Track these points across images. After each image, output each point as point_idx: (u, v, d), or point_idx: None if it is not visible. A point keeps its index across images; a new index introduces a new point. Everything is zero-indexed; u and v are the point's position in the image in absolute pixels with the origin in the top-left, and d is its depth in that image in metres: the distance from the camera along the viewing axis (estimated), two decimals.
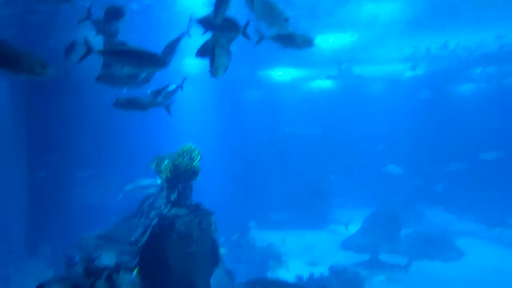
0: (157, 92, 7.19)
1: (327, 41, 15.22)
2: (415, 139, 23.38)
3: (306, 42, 6.42)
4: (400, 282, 12.74)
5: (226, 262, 8.00)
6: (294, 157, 22.40)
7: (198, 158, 7.84)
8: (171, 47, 6.92)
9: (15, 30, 10.63)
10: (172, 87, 7.57)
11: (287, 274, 13.62)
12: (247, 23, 5.77)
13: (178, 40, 7.02)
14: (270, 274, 14.07)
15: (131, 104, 6.65)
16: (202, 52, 6.08)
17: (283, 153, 22.56)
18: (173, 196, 7.09)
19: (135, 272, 5.62)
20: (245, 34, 5.83)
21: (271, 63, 19.93)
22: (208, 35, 6.00)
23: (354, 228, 17.89)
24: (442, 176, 21.92)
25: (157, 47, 6.49)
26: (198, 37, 6.16)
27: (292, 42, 6.34)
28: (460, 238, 16.88)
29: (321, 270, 12.90)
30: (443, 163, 21.78)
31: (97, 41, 6.33)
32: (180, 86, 7.35)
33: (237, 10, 6.00)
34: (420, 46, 16.87)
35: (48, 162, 13.70)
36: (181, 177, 7.12)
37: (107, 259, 5.77)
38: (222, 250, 12.46)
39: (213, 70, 5.49)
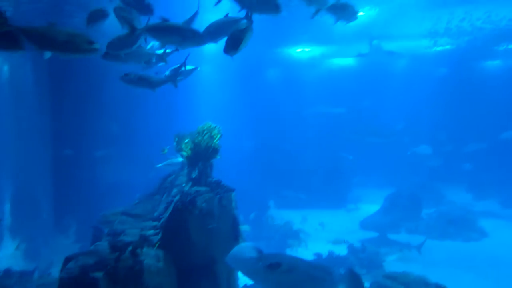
0: (175, 70, 7.18)
1: None
2: (436, 117, 22.84)
3: (355, 14, 6.83)
4: (418, 261, 12.69)
5: (246, 239, 8.11)
6: (314, 136, 22.25)
7: (218, 136, 7.89)
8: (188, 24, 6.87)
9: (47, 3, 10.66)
10: (188, 67, 7.58)
11: (305, 252, 13.75)
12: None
13: (192, 18, 6.96)
14: (289, 252, 14.24)
15: (141, 80, 6.69)
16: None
17: (302, 132, 22.42)
18: (194, 174, 7.19)
19: (157, 245, 5.79)
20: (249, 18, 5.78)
21: (290, 41, 19.61)
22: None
23: (374, 208, 17.82)
24: (464, 156, 21.47)
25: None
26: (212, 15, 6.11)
27: (346, 13, 6.65)
28: (483, 219, 16.61)
29: (340, 249, 12.96)
30: (464, 142, 21.30)
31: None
32: (183, 65, 7.34)
33: None
34: (443, 19, 16.23)
35: (72, 140, 14.07)
36: (201, 155, 7.19)
37: (131, 234, 5.94)
38: (245, 227, 12.74)
39: (235, 52, 5.50)
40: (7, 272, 8.91)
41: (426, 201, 17.70)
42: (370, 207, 18.25)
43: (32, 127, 11.97)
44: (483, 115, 22.30)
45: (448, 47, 20.26)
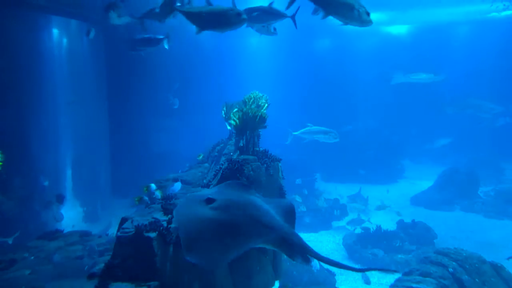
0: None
1: None
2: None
3: None
4: (472, 240, 12.19)
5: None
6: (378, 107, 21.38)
7: (266, 106, 7.83)
8: None
9: None
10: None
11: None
12: None
13: None
14: (335, 224, 14.19)
15: None
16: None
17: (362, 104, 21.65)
18: (242, 143, 7.22)
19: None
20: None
21: None
22: None
23: (427, 184, 17.17)
24: None
25: None
26: None
27: None
28: None
29: (389, 225, 12.70)
30: None
31: None
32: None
33: None
34: None
35: (129, 112, 14.93)
36: (249, 124, 7.17)
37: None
38: (298, 198, 12.86)
39: None
40: (70, 232, 9.73)
41: (484, 178, 16.76)
42: (423, 182, 17.62)
43: (90, 96, 12.56)
44: None
45: None
